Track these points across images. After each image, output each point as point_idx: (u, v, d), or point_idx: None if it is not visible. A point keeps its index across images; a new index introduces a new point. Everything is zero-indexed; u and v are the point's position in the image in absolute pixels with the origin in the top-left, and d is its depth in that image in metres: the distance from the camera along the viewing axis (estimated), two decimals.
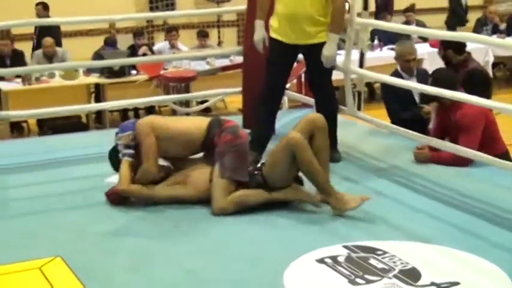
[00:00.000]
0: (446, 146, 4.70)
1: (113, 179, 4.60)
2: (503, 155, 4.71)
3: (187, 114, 7.19)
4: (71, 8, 9.93)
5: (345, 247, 3.57)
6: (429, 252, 3.55)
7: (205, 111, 8.81)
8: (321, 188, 4.05)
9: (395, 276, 3.26)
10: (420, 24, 11.10)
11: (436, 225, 3.92)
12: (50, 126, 8.96)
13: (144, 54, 9.63)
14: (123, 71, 8.99)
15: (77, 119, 9.26)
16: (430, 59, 9.56)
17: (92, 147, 5.35)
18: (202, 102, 8.39)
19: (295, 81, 6.90)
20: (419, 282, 3.21)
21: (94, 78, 9.13)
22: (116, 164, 4.31)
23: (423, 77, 5.75)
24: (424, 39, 10.57)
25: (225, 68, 7.07)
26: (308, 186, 4.16)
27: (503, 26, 12.19)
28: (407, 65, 5.77)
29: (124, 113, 9.65)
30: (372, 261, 3.41)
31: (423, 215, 4.05)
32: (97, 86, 9.18)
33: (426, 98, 5.20)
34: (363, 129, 5.77)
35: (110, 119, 9.36)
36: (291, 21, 4.76)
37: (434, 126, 5.20)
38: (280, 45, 4.85)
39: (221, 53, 8.95)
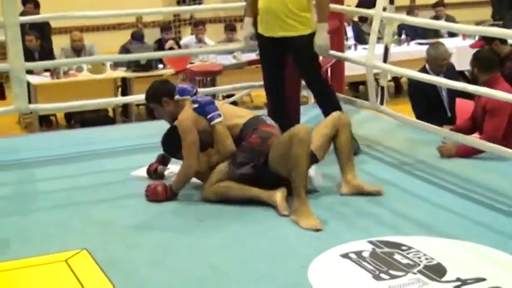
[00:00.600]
0: (471, 140, 4.67)
1: (139, 172, 4.65)
2: None
3: None
4: (98, 2, 9.98)
5: (370, 242, 3.56)
6: (454, 247, 3.53)
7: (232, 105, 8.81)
8: (296, 188, 3.94)
9: (420, 271, 3.25)
10: (450, 19, 10.99)
11: (462, 221, 3.89)
12: (77, 120, 9.04)
13: (171, 48, 9.66)
14: (149, 65, 9.02)
15: (104, 113, 9.33)
16: (459, 53, 9.46)
17: (118, 140, 5.40)
18: (228, 96, 8.39)
19: None
20: (445, 278, 3.19)
21: (121, 72, 9.18)
22: (171, 148, 4.34)
23: (450, 72, 5.71)
24: (453, 34, 10.48)
25: (251, 62, 7.05)
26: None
27: None
28: (440, 68, 5.72)
29: None
30: (397, 257, 3.40)
31: (448, 211, 4.02)
32: (124, 80, 9.23)
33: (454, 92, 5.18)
34: (386, 124, 5.74)
35: (136, 112, 9.41)
36: (271, 15, 4.86)
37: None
38: (264, 39, 4.98)
39: (248, 47, 8.90)
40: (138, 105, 9.45)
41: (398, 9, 5.54)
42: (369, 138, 5.40)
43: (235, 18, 12.21)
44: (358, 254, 3.44)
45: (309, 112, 6.24)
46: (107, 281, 3.22)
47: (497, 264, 3.36)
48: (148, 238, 3.73)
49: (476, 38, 8.21)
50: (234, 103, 8.83)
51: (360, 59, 5.78)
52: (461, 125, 5.19)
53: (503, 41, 5.88)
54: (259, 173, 4.13)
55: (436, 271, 3.25)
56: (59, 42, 10.21)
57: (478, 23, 10.16)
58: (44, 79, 8.77)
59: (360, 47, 10.02)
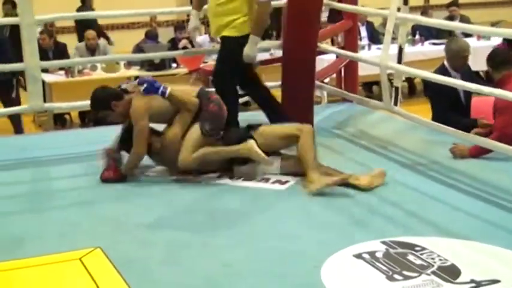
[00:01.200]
0: (483, 141, 4.66)
1: (151, 170, 4.66)
2: None
3: None
4: (112, 2, 10.01)
5: (383, 243, 3.56)
6: (469, 249, 3.51)
7: (244, 105, 8.80)
8: (311, 164, 4.41)
9: (433, 272, 3.24)
10: (465, 19, 10.94)
11: (476, 222, 3.88)
12: (91, 119, 9.07)
13: (185, 48, 9.68)
14: (163, 64, 9.05)
15: None
16: (474, 54, 9.41)
17: None
18: (240, 95, 8.39)
19: (334, 75, 6.86)
20: (459, 280, 3.18)
21: (135, 71, 9.20)
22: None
23: (467, 71, 5.68)
24: (467, 35, 10.43)
25: (264, 62, 7.05)
26: None
27: None
28: (462, 61, 5.63)
29: None
30: (410, 257, 3.39)
31: (462, 212, 4.01)
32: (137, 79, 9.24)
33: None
34: (400, 125, 5.73)
35: None
36: (210, 15, 5.23)
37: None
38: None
39: (261, 46, 8.91)
40: None
41: (412, 9, 5.53)
42: (383, 139, 5.39)
43: None
44: (372, 254, 3.44)
45: (323, 112, 6.24)
46: (121, 280, 3.23)
47: None
48: (161, 236, 3.74)
49: (500, 40, 8.17)
50: (247, 103, 8.86)
51: (374, 60, 5.78)
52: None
53: None
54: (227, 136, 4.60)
55: (450, 272, 3.23)
56: (73, 41, 10.26)
57: (493, 24, 10.12)
58: (59, 78, 8.82)
59: (373, 47, 10.01)
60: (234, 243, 3.63)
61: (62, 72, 8.86)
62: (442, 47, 9.90)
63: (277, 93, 6.01)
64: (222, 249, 3.56)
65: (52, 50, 9.24)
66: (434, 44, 10.37)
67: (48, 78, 8.61)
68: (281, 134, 4.63)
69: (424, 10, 11.67)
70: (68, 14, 6.61)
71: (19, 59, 5.37)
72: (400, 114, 5.40)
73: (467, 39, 10.06)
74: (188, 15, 12.47)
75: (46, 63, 6.23)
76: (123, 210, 4.13)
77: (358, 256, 3.43)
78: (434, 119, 5.42)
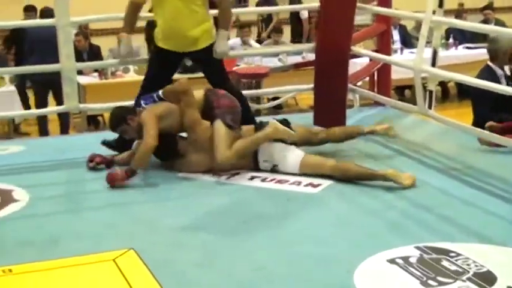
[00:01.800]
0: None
1: (185, 173, 4.68)
2: None
3: (258, 111, 7.21)
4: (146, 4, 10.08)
5: (417, 248, 3.53)
6: (505, 255, 3.47)
7: (276, 108, 8.82)
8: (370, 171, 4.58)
9: (469, 279, 3.20)
10: (499, 23, 10.83)
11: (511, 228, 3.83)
12: None
13: None
14: (196, 67, 9.05)
15: None
16: None
17: None
18: (273, 98, 8.40)
19: (367, 79, 6.83)
20: (495, 286, 3.14)
21: None
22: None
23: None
24: None
25: (297, 65, 7.05)
26: None
27: None
28: (510, 57, 5.61)
29: None
30: (445, 263, 3.36)
31: (497, 217, 3.96)
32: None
33: None
34: (434, 129, 5.67)
35: None
36: (179, 30, 4.96)
37: None
38: (166, 53, 5.04)
39: (293, 49, 8.93)
40: None
41: (447, 13, 5.47)
42: (417, 143, 5.35)
43: (281, 21, 12.23)
44: (405, 259, 3.41)
45: (355, 115, 6.21)
46: (154, 281, 3.24)
47: None
48: (194, 239, 3.75)
49: None
50: (279, 106, 8.87)
51: (407, 63, 5.74)
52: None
53: None
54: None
55: (486, 279, 3.20)
56: (107, 43, 10.33)
57: None
58: (92, 79, 8.89)
59: (406, 50, 9.95)
60: (267, 247, 3.63)
61: (96, 74, 8.93)
62: (476, 51, 9.91)
63: (309, 96, 6.01)
64: (254, 253, 3.56)
65: (87, 52, 9.32)
66: (468, 48, 10.28)
67: (82, 80, 8.69)
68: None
69: (458, 14, 11.58)
70: (101, 16, 6.64)
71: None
72: (434, 118, 5.35)
73: None
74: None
75: (81, 65, 6.29)
76: (157, 212, 4.15)
77: (392, 261, 3.40)
78: (476, 120, 5.36)
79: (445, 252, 3.48)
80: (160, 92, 4.73)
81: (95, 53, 9.41)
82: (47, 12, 8.02)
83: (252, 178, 4.63)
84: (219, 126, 4.60)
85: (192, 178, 4.64)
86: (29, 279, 3.33)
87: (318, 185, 4.50)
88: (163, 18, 4.99)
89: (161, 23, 5.01)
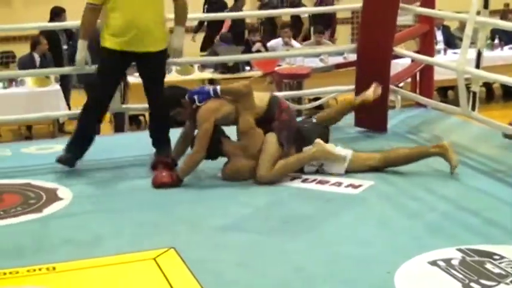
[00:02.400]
0: None
1: None
2: None
3: (299, 111, 7.20)
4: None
5: (459, 250, 3.49)
6: None
7: (317, 109, 8.78)
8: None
9: None
10: None
11: None
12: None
13: (258, 51, 9.72)
14: (236, 67, 9.10)
15: None
16: None
17: None
18: (314, 99, 8.37)
19: (409, 80, 6.77)
20: None
21: (208, 74, 9.28)
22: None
23: None
24: None
25: (338, 66, 7.01)
26: None
27: None
28: None
29: None
30: (488, 266, 3.31)
31: None
32: (211, 82, 9.32)
33: None
34: (478, 130, 5.60)
35: None
36: (143, 27, 4.66)
37: None
38: (116, 55, 4.73)
39: (335, 50, 8.90)
40: None
41: (492, 13, 5.39)
42: (461, 145, 5.28)
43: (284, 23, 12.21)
44: (447, 261, 3.37)
45: (397, 116, 6.17)
46: (194, 281, 3.26)
47: None
48: (234, 239, 3.76)
49: None
50: (320, 107, 8.84)
51: (450, 64, 5.67)
52: None
53: None
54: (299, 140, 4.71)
55: None
56: None
57: None
58: (134, 79, 8.95)
59: (449, 51, 9.84)
60: (307, 248, 3.62)
61: (137, 74, 8.99)
62: None
63: (351, 97, 5.98)
64: (294, 254, 3.55)
65: None
66: None
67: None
68: None
69: (504, 14, 11.40)
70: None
71: None
72: (477, 120, 5.28)
73: None
74: (258, 19, 12.70)
75: None
76: (198, 211, 4.17)
77: (433, 263, 3.37)
78: None
79: (489, 254, 3.43)
80: (218, 88, 4.59)
81: None
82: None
83: (292, 179, 4.63)
84: (272, 141, 4.54)
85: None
86: (72, 277, 3.38)
87: (359, 186, 4.48)
88: (121, 12, 4.64)
89: (118, 16, 4.65)
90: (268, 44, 10.54)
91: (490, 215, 3.94)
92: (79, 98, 8.64)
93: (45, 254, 3.59)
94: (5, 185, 4.65)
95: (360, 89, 5.76)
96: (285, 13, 11.09)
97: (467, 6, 5.07)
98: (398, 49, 5.94)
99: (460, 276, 3.23)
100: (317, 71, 7.46)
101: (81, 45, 4.85)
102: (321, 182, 4.57)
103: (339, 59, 8.70)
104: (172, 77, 8.98)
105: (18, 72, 8.22)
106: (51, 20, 9.34)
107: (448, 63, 6.09)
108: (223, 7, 11.04)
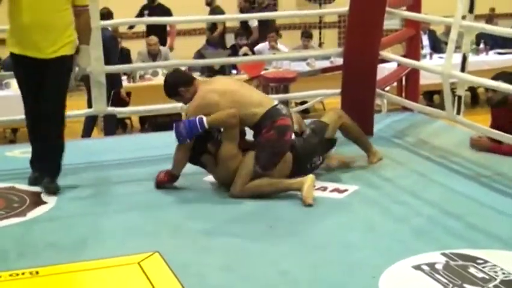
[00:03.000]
0: None
1: (211, 177, 4.68)
2: None
3: None
4: (174, 9, 10.14)
5: (443, 254, 3.50)
6: None
7: (304, 112, 8.80)
8: (364, 142, 5.00)
9: (496, 286, 3.17)
10: None
11: None
12: (151, 123, 9.17)
13: (245, 55, 9.72)
14: (223, 70, 9.09)
15: (177, 117, 9.42)
16: None
17: None
18: (301, 103, 8.38)
19: (395, 84, 6.79)
20: None
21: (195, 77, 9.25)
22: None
23: None
24: None
25: (325, 70, 7.02)
26: None
27: None
28: None
29: None
30: (472, 270, 3.33)
31: None
32: None
33: (495, 103, 5.18)
34: (462, 135, 5.61)
35: None
36: (38, 27, 4.27)
37: (490, 126, 5.19)
38: (21, 61, 4.37)
39: (321, 54, 8.92)
40: None
41: (477, 17, 5.42)
42: (445, 149, 5.30)
43: (310, 25, 12.23)
44: (431, 266, 3.38)
45: (383, 121, 6.18)
46: (179, 285, 3.25)
47: None
48: (219, 243, 3.76)
49: None
50: (306, 111, 8.86)
51: (436, 68, 5.69)
52: None
53: None
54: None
55: None
56: (136, 47, 10.40)
57: None
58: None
59: (435, 55, 9.88)
60: (292, 252, 3.62)
61: (125, 77, 8.99)
62: (507, 56, 9.80)
63: (337, 101, 5.99)
64: (279, 258, 3.55)
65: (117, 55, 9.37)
66: (499, 53, 10.17)
67: None
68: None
69: (489, 18, 11.46)
70: (128, 20, 6.74)
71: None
72: (462, 124, 5.30)
73: None
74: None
75: (110, 68, 6.33)
76: (183, 215, 4.16)
77: (417, 267, 3.37)
78: None
79: (472, 259, 3.44)
80: (204, 120, 4.33)
81: (124, 56, 9.46)
82: None
83: None
84: (248, 162, 4.37)
85: (218, 183, 4.64)
86: (55, 282, 3.35)
87: (344, 191, 4.48)
88: (18, 13, 4.24)
89: (16, 17, 4.26)
90: (255, 48, 10.55)
91: (474, 219, 3.96)
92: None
93: (29, 258, 3.57)
94: None
95: (346, 93, 5.78)
96: (263, 17, 11.06)
97: (453, 10, 5.09)
98: (384, 53, 5.96)
99: (444, 280, 3.23)
100: (304, 75, 7.46)
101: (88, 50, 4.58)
102: None
103: (326, 63, 8.73)
104: (158, 80, 8.98)
105: (2, 74, 8.17)
106: None
107: (433, 68, 6.11)
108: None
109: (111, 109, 6.06)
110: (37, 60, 4.31)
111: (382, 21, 5.66)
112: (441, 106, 5.41)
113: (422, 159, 5.17)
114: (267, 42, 10.49)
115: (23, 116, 4.69)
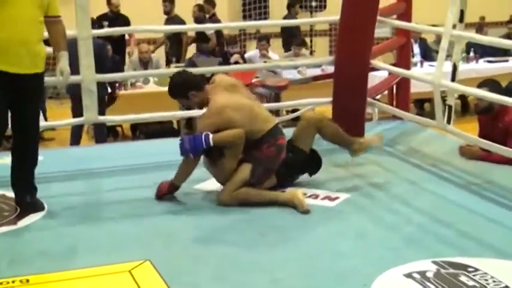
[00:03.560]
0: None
1: (202, 185, 4.69)
2: None
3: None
4: (135, 16, 10.14)
5: (434, 263, 3.50)
6: None
7: (295, 121, 8.80)
8: (346, 140, 4.82)
9: None
10: None
11: None
12: (142, 131, 9.17)
13: (236, 62, 9.72)
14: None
15: (168, 125, 9.43)
16: None
17: None
18: (292, 111, 8.39)
19: (386, 92, 6.81)
20: None
21: None
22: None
23: None
24: None
25: (316, 78, 7.04)
26: None
27: None
28: None
29: None
30: (463, 278, 3.33)
31: None
32: None
33: (480, 110, 5.22)
34: (453, 143, 5.63)
35: None
36: (17, 40, 4.06)
37: (478, 135, 5.24)
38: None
39: (312, 62, 8.93)
40: None
41: (467, 26, 5.45)
42: (436, 158, 5.32)
43: (302, 33, 12.25)
44: (422, 274, 3.39)
45: (374, 129, 6.19)
46: None
47: None
48: (210, 252, 3.75)
49: None
50: (298, 118, 8.85)
51: (426, 77, 5.72)
52: None
53: None
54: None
55: None
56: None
57: None
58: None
59: (426, 64, 9.92)
60: (284, 260, 3.62)
61: (116, 85, 8.97)
62: (497, 65, 9.84)
63: (328, 109, 6.01)
64: (271, 266, 3.55)
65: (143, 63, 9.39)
66: (489, 61, 10.22)
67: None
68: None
69: (479, 27, 11.51)
70: (119, 28, 6.76)
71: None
72: (452, 133, 5.33)
73: None
74: (240, 30, 12.71)
75: (102, 77, 6.32)
76: (174, 224, 4.15)
77: (408, 275, 3.38)
78: None
79: (463, 267, 3.45)
80: (210, 137, 4.31)
81: (116, 64, 9.45)
82: None
83: (270, 190, 4.62)
84: (244, 171, 4.41)
85: (210, 191, 4.64)
86: None
87: (336, 198, 4.49)
88: None
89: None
90: (246, 55, 10.56)
91: (465, 227, 3.97)
92: (56, 109, 8.64)
93: (19, 267, 3.55)
94: None
95: (337, 101, 5.79)
96: (254, 25, 11.07)
97: (444, 19, 5.12)
98: (375, 61, 5.99)
99: None
100: (295, 82, 7.48)
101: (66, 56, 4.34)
102: None
103: (317, 71, 8.74)
104: (150, 87, 8.99)
105: None
106: None
107: (424, 76, 6.14)
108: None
109: (103, 118, 6.06)
110: (17, 76, 4.08)
111: (373, 30, 5.69)
112: (432, 114, 5.43)
113: (413, 167, 5.19)
114: (257, 50, 10.51)
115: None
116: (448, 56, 5.31)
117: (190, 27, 9.36)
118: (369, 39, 5.70)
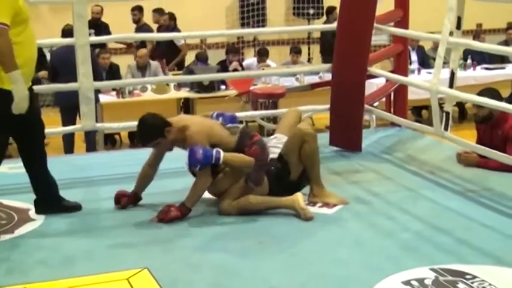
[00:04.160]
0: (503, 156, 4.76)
1: None
2: None
3: (274, 130, 7.21)
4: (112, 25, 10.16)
5: (432, 270, 3.50)
6: None
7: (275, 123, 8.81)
8: (315, 176, 4.55)
9: None
10: None
11: None
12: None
13: (235, 70, 9.74)
14: (212, 86, 9.10)
15: None
16: None
17: (179, 161, 5.43)
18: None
19: (383, 99, 6.82)
20: None
21: (184, 93, 9.28)
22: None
23: None
24: None
25: (314, 85, 7.05)
26: None
27: None
28: None
29: None
30: (461, 286, 3.34)
31: None
32: (186, 100, 9.32)
33: (480, 119, 5.24)
34: (450, 150, 5.63)
35: None
36: (33, 62, 4.08)
37: (476, 143, 5.25)
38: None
39: (310, 69, 8.96)
40: None
41: (465, 33, 5.46)
42: (433, 165, 5.33)
43: (298, 41, 12.28)
44: (420, 281, 3.39)
45: (371, 136, 6.20)
46: None
47: None
48: (208, 260, 3.75)
49: None
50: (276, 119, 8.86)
51: (424, 84, 5.72)
52: None
53: None
54: (275, 182, 4.47)
55: None
56: (126, 61, 10.40)
57: None
58: (110, 98, 8.94)
59: (423, 71, 9.94)
60: (282, 268, 3.62)
61: (114, 92, 8.99)
62: (495, 72, 9.86)
63: (326, 116, 6.01)
64: (269, 274, 3.55)
65: (106, 71, 9.38)
66: (486, 68, 10.24)
67: (101, 98, 8.74)
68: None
69: (477, 34, 11.53)
70: (118, 36, 6.76)
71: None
72: (450, 140, 5.33)
73: None
74: (238, 37, 12.74)
75: (100, 84, 6.34)
76: (172, 232, 4.15)
77: (407, 283, 3.38)
78: None
79: (461, 274, 3.46)
80: (221, 156, 4.23)
81: (113, 72, 9.46)
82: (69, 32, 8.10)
83: None
84: (239, 178, 4.41)
85: (208, 198, 4.64)
86: None
87: (334, 206, 4.49)
88: (29, 45, 4.02)
89: (28, 50, 3.99)
90: (244, 63, 10.58)
91: (463, 234, 3.97)
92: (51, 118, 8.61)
93: (17, 275, 3.55)
94: None
95: (334, 108, 5.80)
96: (252, 33, 11.06)
97: (441, 26, 5.12)
98: (373, 69, 5.99)
99: None
100: (293, 90, 7.49)
101: (19, 76, 3.89)
102: None
103: (315, 79, 8.75)
104: (147, 96, 9.00)
105: None
106: None
107: (421, 83, 6.14)
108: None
109: (100, 125, 6.06)
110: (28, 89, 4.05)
111: (370, 37, 5.70)
112: (429, 121, 5.43)
113: (410, 174, 5.19)
114: (255, 58, 10.53)
115: None
116: (446, 63, 5.32)
117: (179, 35, 9.26)
118: (366, 47, 5.71)
